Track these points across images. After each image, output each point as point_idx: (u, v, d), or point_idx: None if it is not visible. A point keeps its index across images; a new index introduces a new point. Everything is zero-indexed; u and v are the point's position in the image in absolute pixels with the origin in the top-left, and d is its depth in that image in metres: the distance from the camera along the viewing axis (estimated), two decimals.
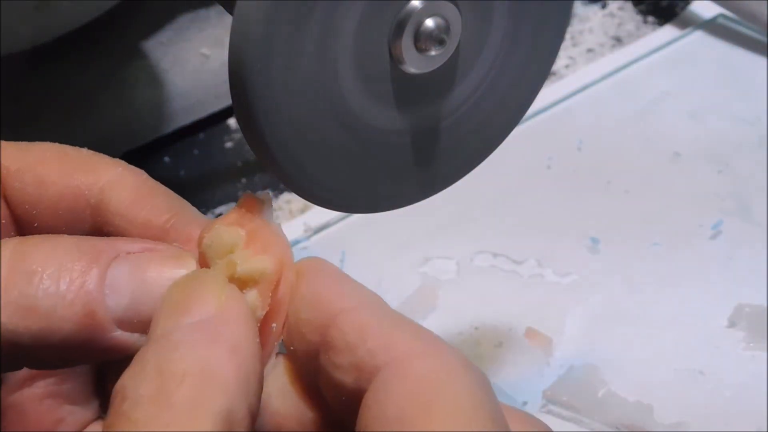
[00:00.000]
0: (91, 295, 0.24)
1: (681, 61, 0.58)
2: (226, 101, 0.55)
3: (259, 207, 0.28)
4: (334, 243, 0.49)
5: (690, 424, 0.41)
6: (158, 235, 0.27)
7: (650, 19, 0.62)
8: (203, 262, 0.26)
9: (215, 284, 0.25)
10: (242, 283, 0.26)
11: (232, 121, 0.56)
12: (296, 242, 0.49)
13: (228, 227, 0.27)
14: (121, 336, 0.25)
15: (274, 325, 0.26)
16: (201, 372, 0.22)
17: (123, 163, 0.28)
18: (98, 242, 0.26)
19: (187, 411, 0.22)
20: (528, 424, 0.25)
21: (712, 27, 0.60)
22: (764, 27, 0.58)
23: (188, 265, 0.26)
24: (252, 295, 0.26)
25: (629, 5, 0.63)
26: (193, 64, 0.57)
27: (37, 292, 0.24)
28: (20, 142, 0.28)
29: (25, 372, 0.28)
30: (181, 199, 0.28)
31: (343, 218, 0.50)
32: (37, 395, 0.28)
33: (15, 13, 0.48)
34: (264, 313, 0.26)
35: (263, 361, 0.25)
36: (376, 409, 0.22)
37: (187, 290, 0.25)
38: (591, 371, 0.43)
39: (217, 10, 0.59)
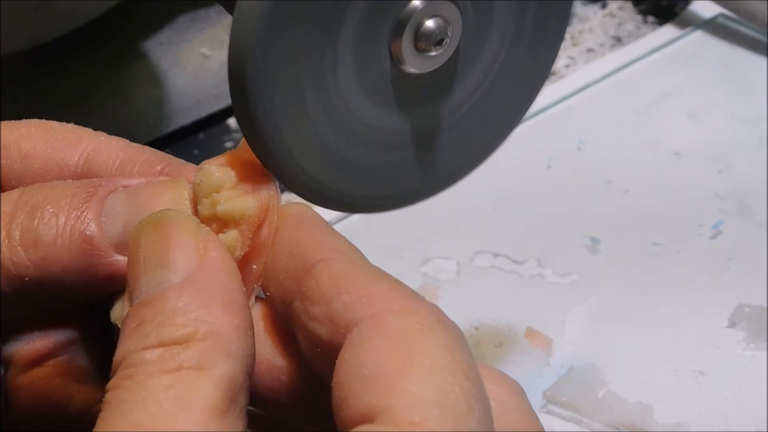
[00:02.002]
0: (88, 223, 0.25)
1: (681, 61, 0.58)
2: (226, 101, 0.55)
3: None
4: None
5: (690, 424, 0.41)
6: None
7: (650, 19, 0.62)
8: (194, 202, 0.27)
9: (188, 229, 0.25)
10: (223, 222, 0.26)
11: (232, 121, 0.56)
12: None
13: (219, 167, 0.27)
14: (119, 260, 0.26)
15: (254, 266, 0.26)
16: (204, 336, 0.23)
17: (104, 133, 0.29)
18: (98, 180, 0.27)
19: (193, 373, 0.22)
20: (500, 380, 0.25)
21: (712, 27, 0.60)
22: (764, 27, 0.58)
23: (181, 187, 0.27)
24: (232, 235, 0.26)
25: (629, 5, 0.63)
26: (193, 64, 0.57)
27: (38, 225, 0.25)
28: (5, 121, 0.29)
29: (34, 351, 0.28)
30: (167, 154, 0.29)
31: (343, 218, 0.50)
32: (46, 374, 0.28)
33: (15, 13, 0.48)
34: (242, 253, 0.26)
35: (247, 301, 0.25)
36: (352, 364, 0.23)
37: (161, 235, 0.25)
38: (591, 371, 0.43)
39: (217, 10, 0.59)
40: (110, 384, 0.23)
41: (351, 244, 0.26)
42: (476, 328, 0.45)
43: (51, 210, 0.26)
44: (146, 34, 0.58)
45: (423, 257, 0.48)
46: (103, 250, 0.25)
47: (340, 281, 0.24)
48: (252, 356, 0.24)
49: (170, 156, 0.29)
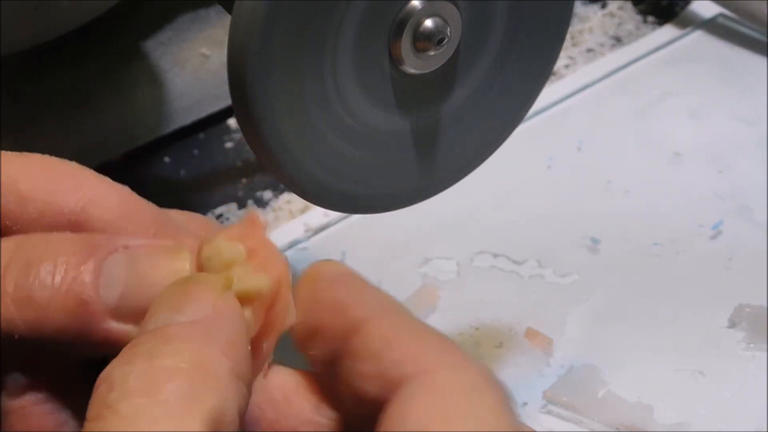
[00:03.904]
0: (85, 285, 0.25)
1: (681, 61, 0.58)
2: (226, 101, 0.55)
3: (261, 225, 0.27)
4: (334, 243, 0.49)
5: (690, 424, 0.41)
6: None
7: (650, 18, 0.62)
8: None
9: (212, 287, 0.25)
10: (238, 300, 0.26)
11: (232, 121, 0.56)
12: (296, 242, 0.49)
13: (228, 242, 0.26)
14: (115, 327, 0.25)
15: (264, 344, 0.26)
16: (194, 367, 0.22)
17: (107, 179, 0.28)
18: (98, 237, 0.26)
19: (178, 407, 0.21)
20: None
21: (712, 27, 0.60)
22: (764, 27, 0.58)
23: (183, 258, 0.26)
24: (246, 313, 0.25)
25: (629, 5, 0.63)
26: (193, 64, 0.57)
27: (33, 283, 0.25)
28: (5, 152, 0.28)
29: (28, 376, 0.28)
30: (165, 211, 0.28)
31: (343, 218, 0.50)
32: (39, 399, 0.28)
33: (15, 13, 0.48)
34: (255, 332, 0.26)
35: (252, 377, 0.25)
36: (397, 419, 0.23)
37: (183, 289, 0.25)
38: (591, 371, 0.43)
39: (217, 10, 0.59)
40: (92, 411, 0.22)
41: (393, 298, 0.26)
42: (476, 329, 0.45)
43: (48, 268, 0.25)
44: (146, 34, 0.58)
45: (423, 257, 0.48)
46: (99, 316, 0.25)
47: (391, 339, 0.24)
48: (242, 400, 0.23)
49: (164, 213, 0.28)
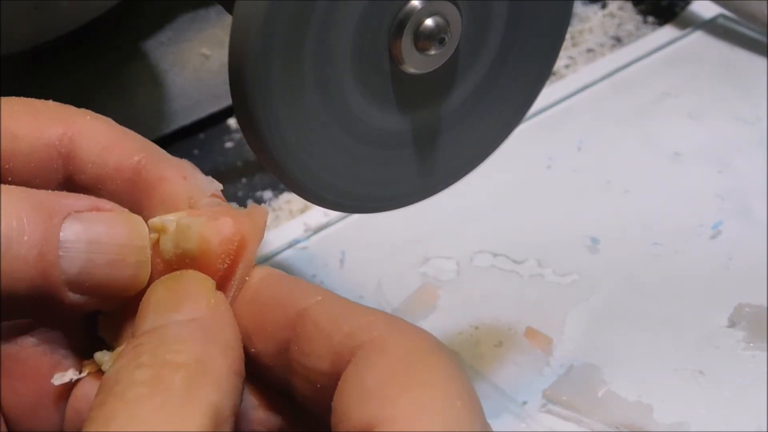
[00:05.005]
0: (46, 258, 0.25)
1: (681, 61, 0.58)
2: (226, 101, 0.55)
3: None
4: (334, 243, 0.49)
5: (690, 424, 0.41)
6: (131, 177, 0.28)
7: (650, 19, 0.62)
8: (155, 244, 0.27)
9: (203, 286, 0.26)
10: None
11: (232, 121, 0.56)
12: (296, 242, 0.49)
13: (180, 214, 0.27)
14: (74, 298, 0.26)
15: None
16: (196, 364, 0.23)
17: (90, 112, 0.29)
18: (48, 198, 0.26)
19: (181, 397, 0.22)
20: None
21: (712, 27, 0.60)
22: (764, 27, 0.58)
23: (139, 228, 0.27)
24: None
25: (629, 5, 0.63)
26: (193, 64, 0.57)
27: None
28: None
29: (21, 321, 0.29)
30: (150, 141, 0.29)
31: (343, 218, 0.50)
32: (33, 342, 0.29)
33: (15, 13, 0.48)
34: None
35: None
36: (355, 381, 0.23)
37: (175, 288, 0.26)
38: (591, 371, 0.43)
39: (217, 10, 0.59)
40: (98, 399, 0.23)
41: (330, 291, 0.27)
42: (476, 328, 0.45)
43: (6, 233, 0.25)
44: (146, 34, 0.58)
45: (423, 257, 0.48)
46: (60, 287, 0.26)
47: (338, 316, 0.25)
48: (238, 399, 0.24)
49: (150, 145, 0.29)
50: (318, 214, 0.50)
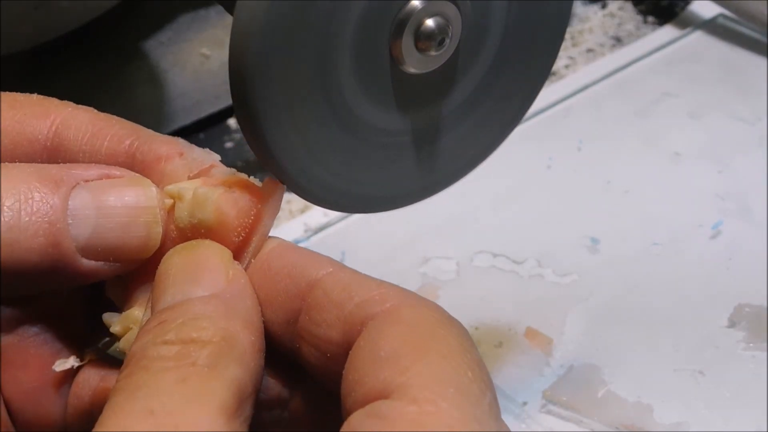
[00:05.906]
0: (55, 226, 0.25)
1: (681, 61, 0.58)
2: (226, 101, 0.55)
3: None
4: (334, 243, 0.49)
5: (690, 424, 0.41)
6: (125, 162, 0.28)
7: (650, 19, 0.62)
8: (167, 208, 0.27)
9: (221, 257, 0.26)
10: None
11: (232, 121, 0.56)
12: (296, 242, 0.49)
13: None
14: (86, 264, 0.26)
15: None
16: (222, 341, 0.23)
17: (71, 103, 0.29)
18: (55, 170, 0.26)
19: (207, 371, 0.23)
20: None
21: (712, 27, 0.60)
22: (764, 27, 0.58)
23: (149, 191, 0.27)
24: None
25: (629, 5, 0.63)
26: (193, 64, 0.57)
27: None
28: None
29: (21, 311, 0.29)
30: (137, 124, 0.29)
31: (343, 218, 0.50)
32: (33, 331, 0.29)
33: (15, 13, 0.48)
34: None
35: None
36: (368, 348, 0.24)
37: (192, 259, 0.26)
38: (591, 371, 0.43)
39: (217, 10, 0.59)
40: (124, 372, 0.23)
41: (340, 263, 0.27)
42: (476, 328, 0.45)
43: (12, 206, 0.25)
44: (146, 34, 0.58)
45: (423, 257, 0.48)
46: (71, 254, 0.26)
47: (350, 286, 0.25)
48: (260, 375, 0.24)
49: (139, 127, 0.29)
50: (318, 214, 0.50)
